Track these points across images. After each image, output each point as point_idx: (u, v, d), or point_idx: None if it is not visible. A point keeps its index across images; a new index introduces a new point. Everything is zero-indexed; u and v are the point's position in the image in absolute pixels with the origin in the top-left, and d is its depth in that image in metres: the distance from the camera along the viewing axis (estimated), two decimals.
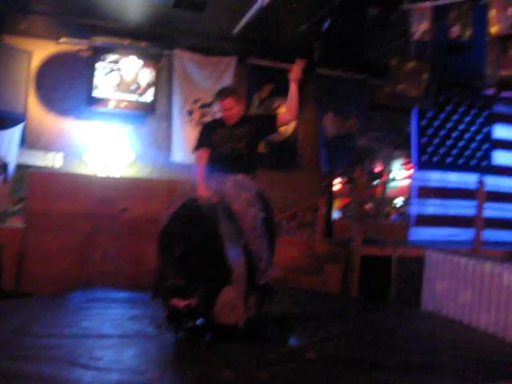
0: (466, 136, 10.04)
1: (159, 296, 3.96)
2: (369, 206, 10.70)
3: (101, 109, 8.02)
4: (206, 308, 3.74)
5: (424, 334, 4.81)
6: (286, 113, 4.58)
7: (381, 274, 7.08)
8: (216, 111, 4.45)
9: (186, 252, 3.62)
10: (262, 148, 8.48)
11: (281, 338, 4.20)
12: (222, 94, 4.42)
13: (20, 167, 7.56)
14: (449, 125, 9.90)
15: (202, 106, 8.42)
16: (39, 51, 8.01)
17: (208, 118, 8.32)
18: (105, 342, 3.77)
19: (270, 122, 4.62)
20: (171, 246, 3.66)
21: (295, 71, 4.46)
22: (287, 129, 8.90)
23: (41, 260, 6.46)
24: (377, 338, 4.43)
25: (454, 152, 9.93)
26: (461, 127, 9.99)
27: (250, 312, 4.15)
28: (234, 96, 4.41)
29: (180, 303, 3.61)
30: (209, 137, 4.42)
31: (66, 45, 8.13)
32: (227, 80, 8.41)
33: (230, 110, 4.36)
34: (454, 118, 9.95)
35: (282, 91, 8.77)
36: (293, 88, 4.47)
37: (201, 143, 4.46)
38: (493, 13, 4.86)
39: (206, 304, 3.72)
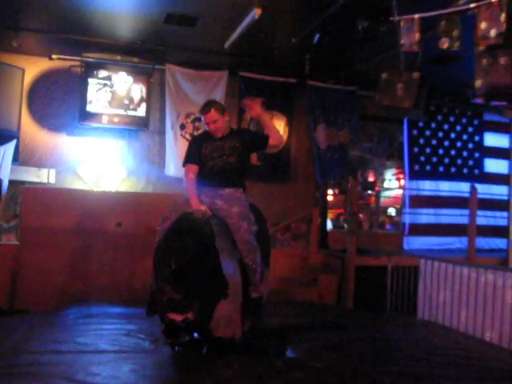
0: (458, 145, 10.14)
1: (154, 311, 3.96)
2: (362, 216, 10.75)
3: (94, 124, 8.04)
4: (202, 322, 3.74)
5: (421, 343, 4.82)
6: (271, 138, 4.57)
7: (376, 284, 7.09)
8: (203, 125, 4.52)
9: (181, 266, 3.62)
10: (255, 160, 8.54)
11: (279, 349, 4.20)
12: (206, 107, 4.41)
13: (14, 184, 7.55)
14: (440, 134, 10.00)
15: (195, 120, 8.45)
16: (32, 68, 8.04)
17: (201, 132, 8.36)
18: (101, 358, 3.76)
19: (261, 140, 4.62)
20: (167, 261, 3.67)
21: (252, 109, 4.50)
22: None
23: (36, 276, 6.43)
24: (374, 347, 4.44)
25: (446, 161, 10.01)
26: (452, 136, 10.09)
27: (246, 326, 4.16)
28: (218, 108, 4.39)
29: (177, 317, 3.60)
30: (198, 150, 4.41)
31: (58, 61, 8.17)
32: (219, 93, 8.46)
33: (215, 122, 4.35)
34: (445, 127, 10.05)
35: (273, 104, 8.87)
36: (263, 121, 4.55)
37: (190, 157, 4.45)
38: (480, 23, 4.92)
39: (203, 318, 3.72)
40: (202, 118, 4.46)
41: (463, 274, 5.74)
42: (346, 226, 10.79)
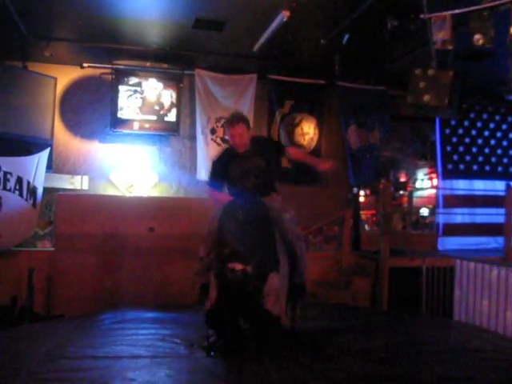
0: (492, 143, 9.94)
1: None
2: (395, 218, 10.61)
3: (125, 131, 8.12)
4: (257, 281, 3.91)
5: (458, 346, 4.72)
6: (296, 154, 4.98)
7: (410, 286, 6.99)
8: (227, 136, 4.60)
9: (248, 221, 3.97)
10: (285, 163, 8.50)
11: (314, 353, 4.17)
12: (234, 120, 4.45)
13: (48, 191, 7.67)
14: (473, 132, 9.82)
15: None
16: (63, 77, 8.17)
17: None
18: (137, 363, 3.78)
19: (278, 148, 4.84)
20: (236, 214, 4.00)
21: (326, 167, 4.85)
22: (311, 143, 8.91)
23: (70, 281, 6.54)
24: (411, 351, 4.36)
25: (480, 159, 9.83)
26: (486, 134, 9.90)
27: (294, 321, 4.42)
28: (245, 122, 4.45)
29: (237, 266, 3.82)
30: (224, 170, 4.49)
31: (89, 69, 8.28)
32: (249, 97, 8.47)
33: (241, 136, 4.40)
34: (479, 125, 9.87)
35: (303, 106, 8.84)
36: (312, 162, 4.76)
37: (214, 182, 4.57)
38: None
39: (258, 277, 3.90)
40: (228, 131, 4.50)
41: (500, 275, 5.62)
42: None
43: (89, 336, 4.67)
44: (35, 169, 7.29)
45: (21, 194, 7.07)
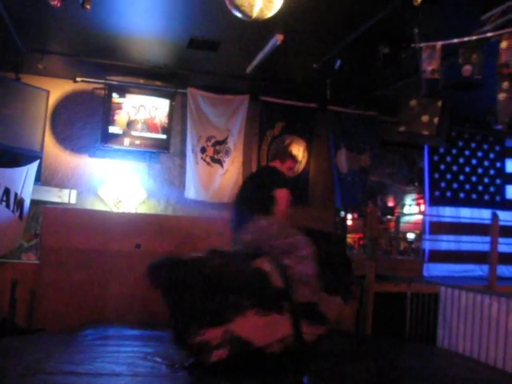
0: (479, 171, 10.05)
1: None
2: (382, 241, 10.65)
3: (115, 146, 8.11)
4: None
5: (441, 373, 4.72)
6: None
7: (395, 311, 7.00)
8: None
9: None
10: None
11: (292, 377, 4.15)
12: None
13: (35, 203, 7.64)
14: (461, 160, 9.93)
15: (216, 144, 8.50)
16: (56, 90, 8.17)
17: (221, 156, 8.42)
18: (118, 381, 3.74)
19: None
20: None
21: None
22: (299, 166, 8.95)
23: (54, 296, 6.46)
24: (392, 377, 4.36)
25: (467, 187, 9.92)
26: (473, 162, 10.01)
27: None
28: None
29: None
30: None
31: (81, 84, 8.29)
32: (240, 118, 8.52)
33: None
34: (466, 153, 9.98)
35: (293, 129, 8.90)
36: None
37: None
38: (502, 50, 4.91)
39: None
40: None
41: (484, 303, 5.66)
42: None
43: (69, 351, 4.62)
44: (23, 181, 7.26)
45: (7, 206, 7.03)
